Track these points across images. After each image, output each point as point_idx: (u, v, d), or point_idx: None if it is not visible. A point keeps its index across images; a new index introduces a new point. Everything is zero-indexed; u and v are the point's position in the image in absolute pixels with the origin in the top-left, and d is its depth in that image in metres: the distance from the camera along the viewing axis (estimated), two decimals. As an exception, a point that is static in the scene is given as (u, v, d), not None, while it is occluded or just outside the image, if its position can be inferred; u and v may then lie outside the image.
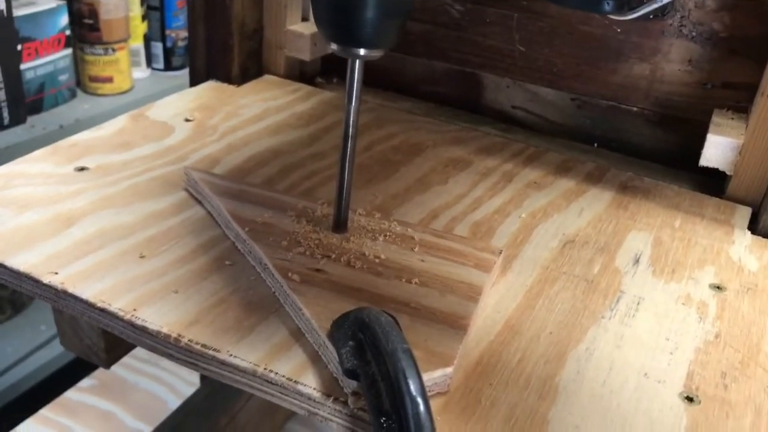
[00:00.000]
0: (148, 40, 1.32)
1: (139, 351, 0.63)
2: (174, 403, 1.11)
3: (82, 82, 1.22)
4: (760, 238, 0.58)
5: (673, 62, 0.68)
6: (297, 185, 0.57)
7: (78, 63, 1.21)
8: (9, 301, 1.25)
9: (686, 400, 0.40)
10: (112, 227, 0.49)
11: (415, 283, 0.44)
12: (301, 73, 0.81)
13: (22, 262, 0.44)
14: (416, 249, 0.48)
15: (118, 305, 0.41)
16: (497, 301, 0.46)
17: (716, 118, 0.64)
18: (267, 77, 0.78)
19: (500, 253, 0.49)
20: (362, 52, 0.41)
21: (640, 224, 0.58)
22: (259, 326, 0.41)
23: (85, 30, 1.18)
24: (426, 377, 0.36)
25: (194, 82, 0.77)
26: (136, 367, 1.19)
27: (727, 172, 0.62)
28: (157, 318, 0.41)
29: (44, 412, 1.10)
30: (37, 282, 0.43)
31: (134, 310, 0.41)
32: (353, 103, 0.44)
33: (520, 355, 0.42)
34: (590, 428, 0.37)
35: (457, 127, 0.73)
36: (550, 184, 0.63)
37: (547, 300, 0.47)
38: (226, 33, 0.73)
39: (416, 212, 0.55)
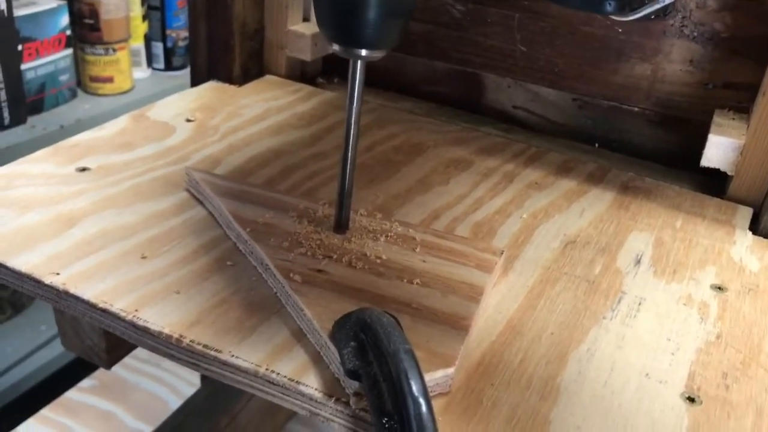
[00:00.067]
0: (148, 40, 1.32)
1: (139, 351, 0.63)
2: (175, 403, 1.11)
3: (82, 82, 1.22)
4: (761, 238, 0.58)
5: (674, 62, 0.68)
6: (298, 185, 0.57)
7: (79, 63, 1.21)
8: (9, 301, 1.25)
9: (688, 401, 0.40)
10: (114, 228, 0.49)
11: (417, 283, 0.44)
12: (302, 74, 0.81)
13: (23, 262, 0.44)
14: (418, 249, 0.48)
15: (119, 306, 0.41)
16: (499, 301, 0.47)
17: (717, 119, 0.64)
18: (268, 77, 0.78)
19: (501, 253, 0.49)
20: (364, 53, 0.41)
21: (642, 225, 0.58)
22: (260, 327, 0.41)
23: (85, 30, 1.18)
24: (428, 378, 0.36)
25: (195, 82, 0.77)
26: (137, 367, 1.19)
27: (729, 173, 0.62)
28: (158, 319, 0.41)
29: (45, 412, 1.10)
30: (38, 283, 0.43)
31: (136, 310, 0.41)
32: (355, 104, 0.44)
33: (521, 355, 0.42)
34: (592, 429, 0.37)
35: (458, 127, 0.73)
36: (551, 184, 0.63)
37: (549, 300, 0.47)
38: (227, 33, 0.73)
39: (417, 212, 0.55)
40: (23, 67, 1.08)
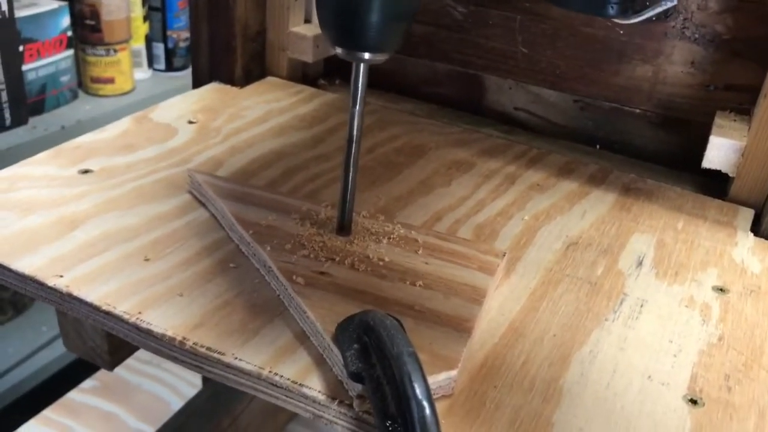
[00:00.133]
0: (149, 40, 1.32)
1: (141, 352, 0.63)
2: (176, 404, 1.11)
3: (83, 83, 1.22)
4: (762, 240, 0.58)
5: (675, 64, 0.68)
6: (301, 187, 0.57)
7: (80, 64, 1.21)
8: (10, 302, 1.25)
9: (690, 403, 0.40)
10: (117, 230, 0.49)
11: (419, 285, 0.44)
12: (303, 75, 0.81)
13: (26, 265, 0.44)
14: (420, 252, 0.48)
15: (123, 308, 0.42)
16: (501, 303, 0.47)
17: (719, 120, 0.64)
18: (270, 79, 0.78)
19: (504, 255, 0.49)
20: (367, 56, 0.42)
21: (643, 226, 0.58)
22: (263, 329, 0.41)
23: (86, 31, 1.18)
24: (431, 380, 0.36)
25: (197, 83, 0.77)
26: (139, 368, 1.19)
27: (730, 174, 0.62)
28: (162, 321, 0.41)
29: (46, 413, 1.10)
30: (41, 285, 0.43)
31: (139, 313, 0.41)
32: (357, 107, 0.44)
33: (524, 357, 0.42)
34: (594, 431, 0.37)
35: (460, 128, 0.73)
36: (552, 186, 0.63)
37: (551, 302, 0.47)
38: (229, 35, 0.73)
39: (419, 214, 0.56)
40: (24, 68, 1.08)
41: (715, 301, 0.49)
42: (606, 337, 0.44)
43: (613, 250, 0.54)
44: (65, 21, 1.14)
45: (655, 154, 0.71)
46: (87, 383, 1.16)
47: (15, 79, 1.05)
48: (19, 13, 1.04)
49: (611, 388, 0.41)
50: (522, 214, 0.57)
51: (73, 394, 1.14)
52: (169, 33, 1.33)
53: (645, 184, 0.65)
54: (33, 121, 1.10)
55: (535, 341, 0.43)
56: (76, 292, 0.42)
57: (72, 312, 0.43)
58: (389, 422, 0.33)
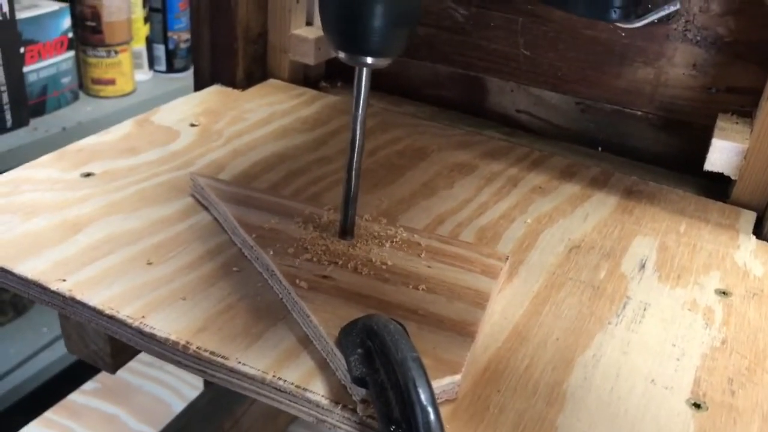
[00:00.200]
0: (150, 42, 1.32)
1: (143, 355, 0.63)
2: (178, 406, 1.11)
3: (84, 84, 1.23)
4: (765, 242, 0.58)
5: (677, 66, 0.68)
6: (303, 190, 0.57)
7: (80, 65, 1.21)
8: (11, 303, 1.25)
9: (693, 407, 0.40)
10: (120, 233, 0.49)
11: (422, 289, 0.44)
12: (305, 77, 0.81)
13: (29, 268, 0.44)
14: (423, 255, 0.48)
15: (126, 312, 0.42)
16: (504, 307, 0.47)
17: (721, 123, 0.64)
18: (271, 81, 0.78)
19: (507, 259, 0.49)
20: (370, 60, 0.41)
21: (646, 229, 0.58)
22: (266, 333, 0.41)
23: (87, 32, 1.18)
24: (435, 385, 0.36)
25: (199, 86, 0.77)
26: (140, 370, 1.19)
27: (732, 177, 0.62)
28: (165, 325, 0.41)
29: (48, 414, 1.10)
30: (44, 289, 0.43)
31: (142, 317, 0.41)
32: (360, 111, 0.44)
33: (527, 361, 0.42)
34: (598, 435, 0.38)
35: (462, 131, 0.73)
36: (555, 188, 0.63)
37: (554, 306, 0.47)
38: (231, 37, 0.73)
39: (422, 217, 0.56)
40: (25, 69, 1.08)
41: (717, 305, 0.49)
42: (609, 341, 0.44)
43: (616, 253, 0.54)
44: (66, 22, 1.14)
45: (657, 156, 0.71)
46: (88, 385, 1.16)
47: (16, 80, 1.05)
48: (20, 15, 1.05)
49: (615, 391, 0.41)
50: (524, 217, 0.57)
51: (75, 396, 1.14)
52: (169, 34, 1.33)
53: (647, 186, 0.65)
54: (34, 122, 1.11)
55: (538, 345, 0.43)
56: (79, 296, 0.42)
57: (75, 316, 0.43)
58: (393, 427, 0.33)
